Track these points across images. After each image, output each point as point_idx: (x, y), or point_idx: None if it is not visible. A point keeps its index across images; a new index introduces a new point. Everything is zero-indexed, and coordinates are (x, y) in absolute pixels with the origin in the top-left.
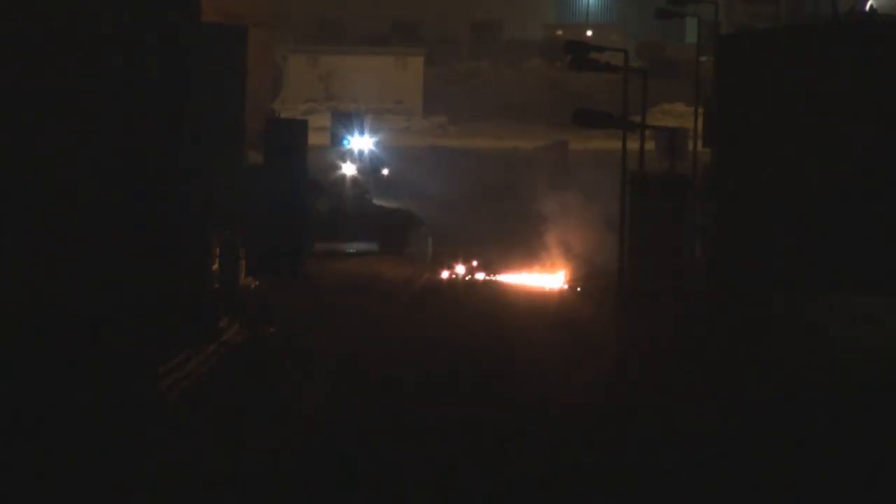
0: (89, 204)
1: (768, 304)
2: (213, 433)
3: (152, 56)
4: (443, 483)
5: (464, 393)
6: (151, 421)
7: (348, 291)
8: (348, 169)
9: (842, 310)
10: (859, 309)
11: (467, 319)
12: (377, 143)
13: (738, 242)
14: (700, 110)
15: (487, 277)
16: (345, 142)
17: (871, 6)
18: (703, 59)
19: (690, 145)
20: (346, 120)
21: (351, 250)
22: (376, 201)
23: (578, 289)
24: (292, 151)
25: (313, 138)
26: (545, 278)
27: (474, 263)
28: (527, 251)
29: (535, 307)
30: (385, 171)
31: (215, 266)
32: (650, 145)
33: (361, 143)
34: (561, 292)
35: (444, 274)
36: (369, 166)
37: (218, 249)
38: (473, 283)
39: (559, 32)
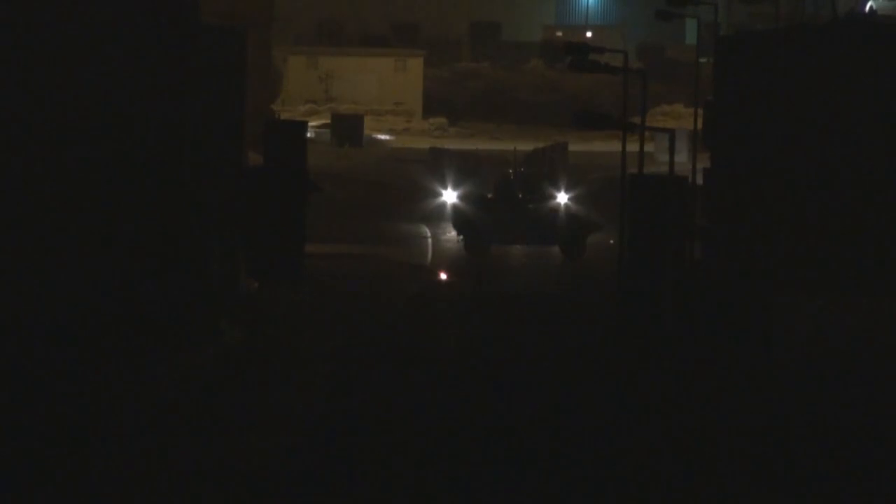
0: (89, 206)
1: (768, 305)
2: (213, 433)
3: (152, 57)
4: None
5: None
6: (149, 421)
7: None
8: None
9: (841, 310)
10: (859, 309)
11: None
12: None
13: (738, 242)
14: (700, 111)
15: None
16: None
17: (871, 7)
18: (703, 60)
19: (690, 146)
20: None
21: None
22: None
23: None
24: (292, 152)
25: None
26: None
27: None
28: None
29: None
30: None
31: (215, 267)
32: (650, 146)
33: None
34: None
35: None
36: None
37: (218, 251)
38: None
39: (559, 34)
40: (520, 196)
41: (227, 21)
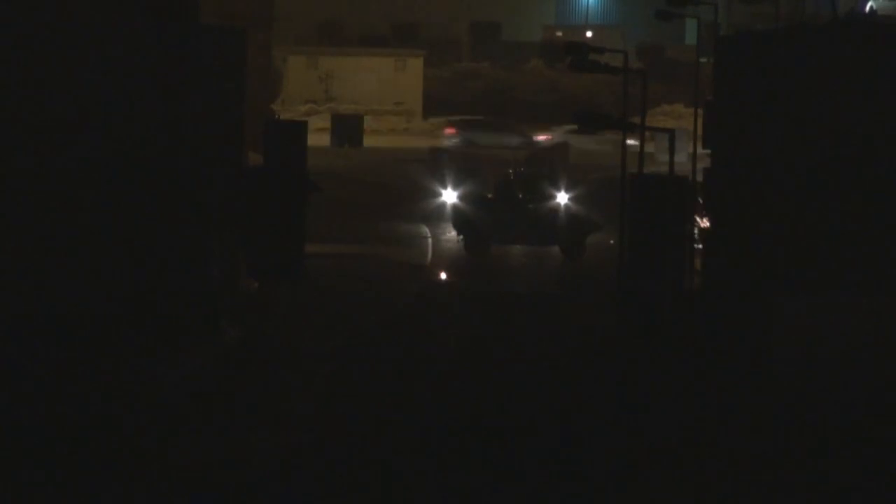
0: (89, 205)
1: (768, 305)
2: (213, 433)
3: (152, 57)
4: None
5: None
6: (149, 420)
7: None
8: None
9: (841, 310)
10: (859, 309)
11: None
12: None
13: (737, 243)
14: (700, 111)
15: None
16: None
17: (871, 7)
18: (703, 60)
19: (690, 147)
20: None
21: None
22: None
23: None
24: (292, 152)
25: (313, 139)
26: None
27: None
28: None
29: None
30: None
31: (215, 267)
32: (650, 147)
33: None
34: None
35: None
36: None
37: (217, 251)
38: None
39: (559, 34)
40: (520, 196)
41: (227, 21)
